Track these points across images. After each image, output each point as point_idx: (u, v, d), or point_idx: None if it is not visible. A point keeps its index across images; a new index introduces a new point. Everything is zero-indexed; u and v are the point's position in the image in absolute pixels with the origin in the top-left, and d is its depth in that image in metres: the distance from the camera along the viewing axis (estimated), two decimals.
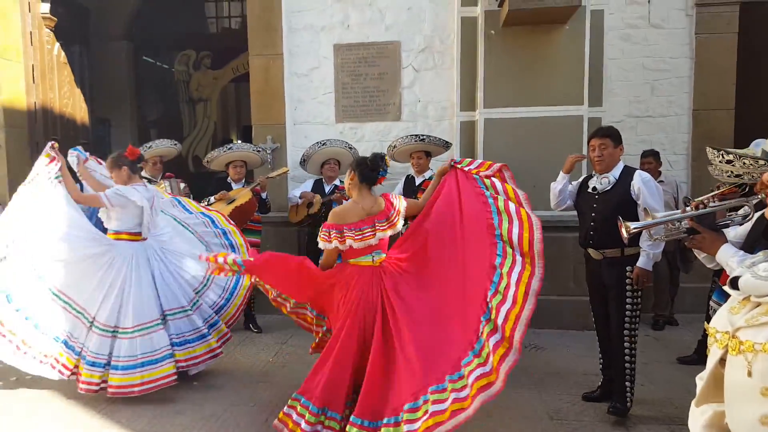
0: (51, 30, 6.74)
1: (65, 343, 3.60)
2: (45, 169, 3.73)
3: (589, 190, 3.34)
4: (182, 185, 5.17)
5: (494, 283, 2.72)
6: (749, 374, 0.91)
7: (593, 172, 3.40)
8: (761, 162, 2.19)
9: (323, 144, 5.00)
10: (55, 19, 6.72)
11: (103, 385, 3.56)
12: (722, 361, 1.00)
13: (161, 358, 3.64)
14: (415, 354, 2.66)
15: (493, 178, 3.15)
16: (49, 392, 3.76)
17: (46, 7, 6.56)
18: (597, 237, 3.26)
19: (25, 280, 3.60)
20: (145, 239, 3.88)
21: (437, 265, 2.98)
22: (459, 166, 3.21)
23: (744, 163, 2.27)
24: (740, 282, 0.99)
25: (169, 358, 3.67)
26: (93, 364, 3.56)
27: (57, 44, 6.86)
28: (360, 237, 2.87)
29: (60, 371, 3.59)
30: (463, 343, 2.66)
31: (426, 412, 2.52)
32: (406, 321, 2.78)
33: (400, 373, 2.69)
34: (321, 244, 2.94)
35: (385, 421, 2.62)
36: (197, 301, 4.01)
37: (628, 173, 3.21)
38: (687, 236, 2.22)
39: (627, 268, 3.17)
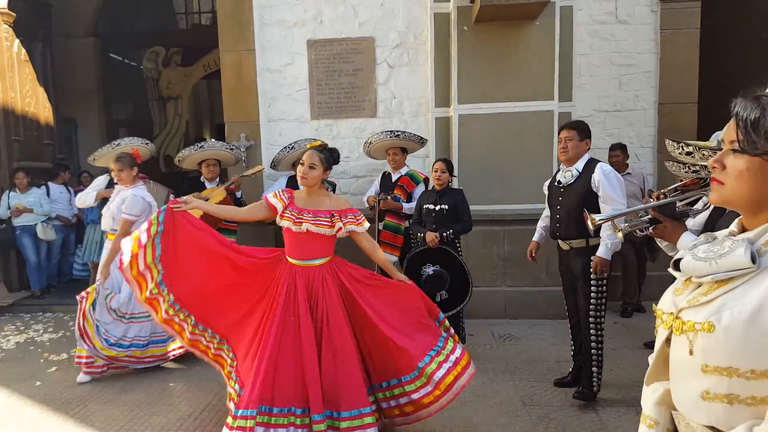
0: (9, 26, 6.48)
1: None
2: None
3: (555, 183, 3.44)
4: (172, 196, 4.95)
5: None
6: (691, 353, 0.95)
7: (561, 166, 3.49)
8: (719, 152, 2.27)
9: (291, 148, 4.91)
10: (14, 14, 6.46)
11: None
12: (668, 341, 1.05)
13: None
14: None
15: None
16: (21, 397, 3.70)
17: (3, 2, 6.27)
18: (563, 228, 3.36)
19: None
20: None
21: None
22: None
23: (704, 155, 2.35)
24: (681, 263, 1.04)
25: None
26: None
27: (17, 41, 6.60)
28: None
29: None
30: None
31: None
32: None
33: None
34: (365, 226, 2.95)
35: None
36: None
37: (590, 166, 3.30)
38: (650, 226, 2.31)
39: (592, 257, 3.26)
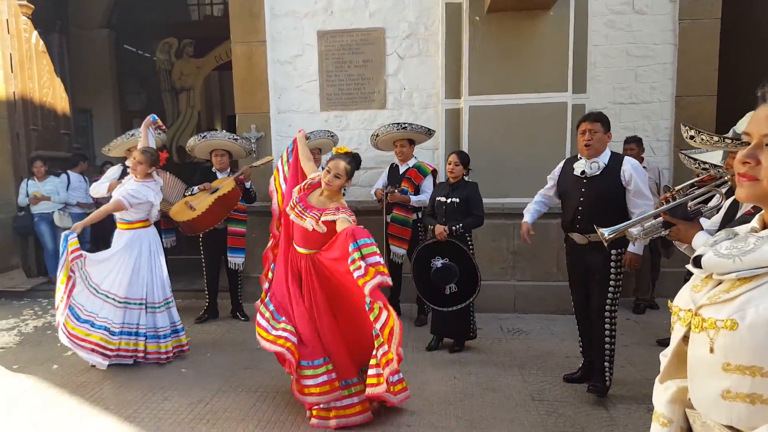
0: (28, 18, 6.62)
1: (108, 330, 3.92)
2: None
3: (577, 173, 3.29)
4: (188, 191, 4.97)
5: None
6: (711, 351, 0.93)
7: (578, 155, 3.36)
8: (715, 138, 2.24)
9: (306, 139, 4.93)
10: (32, 6, 6.60)
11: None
12: (685, 338, 1.02)
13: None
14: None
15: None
16: (38, 380, 3.78)
17: None
18: (583, 221, 3.23)
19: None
20: (150, 225, 4.25)
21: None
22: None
23: (702, 139, 2.32)
24: (703, 260, 1.01)
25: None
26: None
27: (35, 32, 6.74)
28: None
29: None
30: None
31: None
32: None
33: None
34: (343, 215, 2.99)
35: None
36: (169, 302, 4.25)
37: (617, 159, 3.21)
38: (664, 230, 2.26)
39: (612, 252, 3.18)
